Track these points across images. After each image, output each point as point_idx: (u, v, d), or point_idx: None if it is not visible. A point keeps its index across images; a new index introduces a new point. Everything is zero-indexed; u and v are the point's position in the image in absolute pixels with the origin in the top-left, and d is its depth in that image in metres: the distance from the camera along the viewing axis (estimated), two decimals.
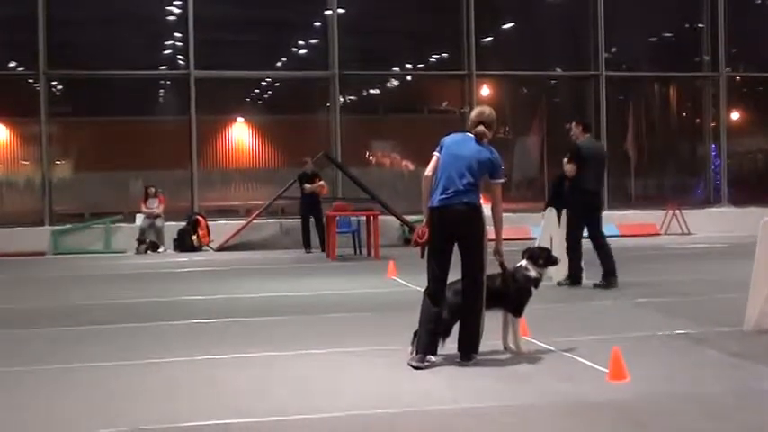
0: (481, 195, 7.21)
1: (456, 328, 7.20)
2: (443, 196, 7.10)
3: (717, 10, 24.01)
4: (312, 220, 18.82)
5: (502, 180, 7.30)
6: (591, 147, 12.27)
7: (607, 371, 6.50)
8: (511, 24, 24.85)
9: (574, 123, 12.46)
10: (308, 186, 18.87)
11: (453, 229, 7.10)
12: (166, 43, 22.78)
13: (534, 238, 13.31)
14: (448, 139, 7.33)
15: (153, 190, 20.36)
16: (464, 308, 7.11)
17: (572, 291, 11.61)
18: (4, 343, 8.69)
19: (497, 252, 7.28)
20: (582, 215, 11.93)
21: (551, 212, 12.52)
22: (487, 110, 7.43)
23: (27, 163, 22.27)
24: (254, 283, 13.37)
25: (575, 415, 5.68)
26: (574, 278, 11.89)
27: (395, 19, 23.73)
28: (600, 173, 12.32)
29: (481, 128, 7.26)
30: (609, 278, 11.72)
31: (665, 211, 22.43)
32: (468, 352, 7.11)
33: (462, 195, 7.06)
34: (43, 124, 21.13)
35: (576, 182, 11.93)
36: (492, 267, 7.33)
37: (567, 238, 11.93)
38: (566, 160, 12.14)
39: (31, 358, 7.81)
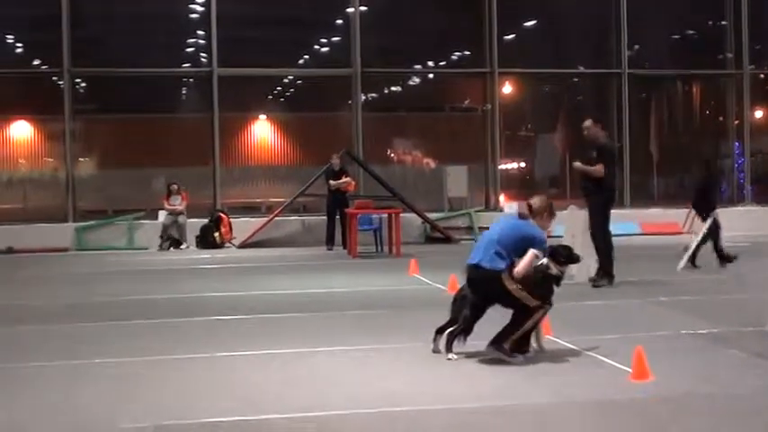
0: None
1: (477, 326, 7.21)
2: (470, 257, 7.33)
3: (740, 7, 23.83)
4: (338, 216, 18.82)
5: (539, 252, 7.20)
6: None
7: (630, 370, 6.49)
8: (533, 22, 24.77)
9: (591, 122, 12.15)
10: (332, 182, 18.89)
11: (480, 290, 7.23)
12: (189, 41, 22.88)
13: (560, 236, 13.29)
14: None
15: (176, 187, 20.42)
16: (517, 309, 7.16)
17: (595, 289, 11.53)
18: (27, 338, 8.77)
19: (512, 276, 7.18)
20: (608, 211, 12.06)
21: (573, 210, 12.55)
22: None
23: (51, 160, 22.45)
24: (276, 281, 13.40)
25: (597, 414, 5.68)
26: (610, 276, 11.83)
27: (417, 16, 23.72)
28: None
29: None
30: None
31: (687, 210, 22.24)
32: (500, 340, 7.06)
33: (484, 260, 7.20)
34: (67, 121, 21.28)
35: (604, 180, 11.89)
36: None
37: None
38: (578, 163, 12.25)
39: (54, 354, 7.88)
